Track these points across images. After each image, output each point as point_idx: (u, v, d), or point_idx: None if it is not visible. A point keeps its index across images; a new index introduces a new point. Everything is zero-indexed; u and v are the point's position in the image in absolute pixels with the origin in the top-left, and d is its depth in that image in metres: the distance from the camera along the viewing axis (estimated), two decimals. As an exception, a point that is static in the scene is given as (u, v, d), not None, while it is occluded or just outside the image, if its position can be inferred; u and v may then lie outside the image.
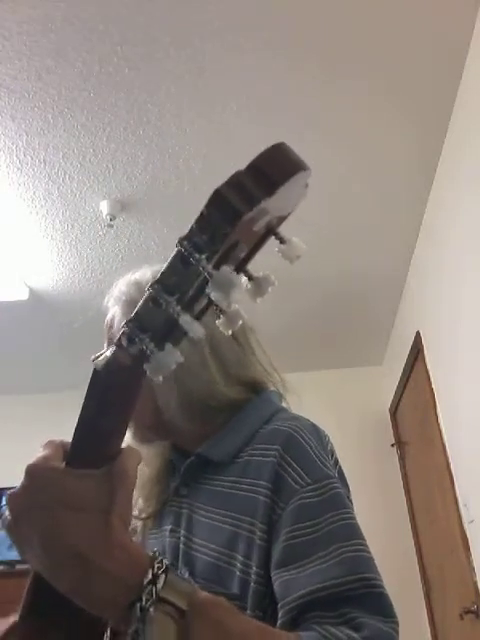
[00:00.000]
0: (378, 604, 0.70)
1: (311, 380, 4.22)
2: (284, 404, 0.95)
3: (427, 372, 3.40)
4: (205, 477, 0.88)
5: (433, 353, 3.33)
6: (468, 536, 3.00)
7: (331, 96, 2.43)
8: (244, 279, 0.48)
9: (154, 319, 0.46)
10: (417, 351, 3.59)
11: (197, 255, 0.44)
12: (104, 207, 2.89)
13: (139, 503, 0.95)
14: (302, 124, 2.55)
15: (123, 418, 0.56)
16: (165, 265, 0.46)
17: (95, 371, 0.51)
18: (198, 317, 0.48)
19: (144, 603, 0.50)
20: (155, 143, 2.59)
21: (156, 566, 0.53)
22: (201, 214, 0.45)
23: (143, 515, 0.94)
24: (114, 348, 0.48)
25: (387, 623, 0.68)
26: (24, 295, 3.46)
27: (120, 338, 0.47)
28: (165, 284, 0.45)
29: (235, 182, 0.45)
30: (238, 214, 0.44)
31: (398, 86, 2.40)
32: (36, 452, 0.58)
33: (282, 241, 0.47)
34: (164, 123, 2.50)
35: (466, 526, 3.00)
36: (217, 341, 0.88)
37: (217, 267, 0.45)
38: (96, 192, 2.83)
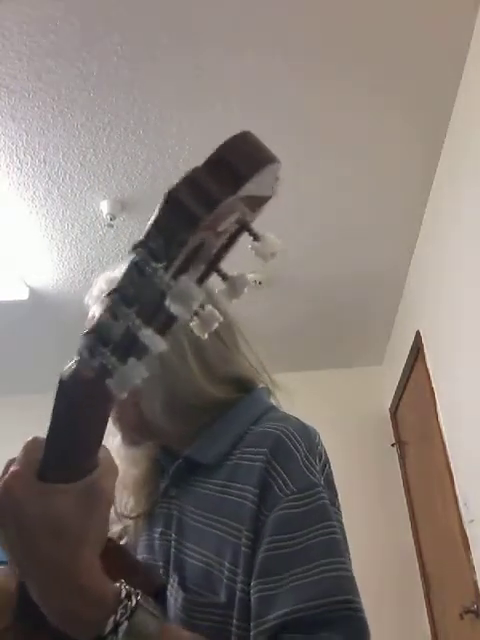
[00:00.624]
0: (356, 629, 0.69)
1: (311, 380, 4.22)
2: (274, 401, 0.92)
3: (427, 372, 3.40)
4: (194, 479, 0.86)
5: (433, 353, 3.33)
6: (468, 535, 3.00)
7: (331, 96, 2.43)
8: (218, 279, 0.45)
9: (113, 332, 0.42)
10: (417, 351, 3.59)
11: (153, 264, 0.40)
12: (104, 207, 2.89)
13: (130, 502, 0.93)
14: (302, 124, 2.55)
15: (96, 430, 0.54)
16: (122, 273, 0.42)
17: (61, 381, 0.48)
18: (163, 330, 0.44)
19: None
20: (155, 143, 2.59)
21: (120, 613, 0.54)
22: (155, 218, 0.40)
23: (133, 514, 0.93)
24: (77, 359, 0.46)
25: None
26: (24, 295, 3.46)
27: (81, 350, 0.44)
28: (123, 294, 0.41)
29: (191, 180, 0.40)
30: (195, 219, 0.39)
31: (398, 86, 2.40)
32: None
33: (255, 238, 0.43)
34: (164, 123, 2.50)
35: (466, 525, 3.01)
36: (200, 340, 0.86)
37: (176, 276, 0.41)
38: (96, 192, 2.83)
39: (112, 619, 0.54)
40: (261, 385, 0.92)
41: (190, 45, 2.18)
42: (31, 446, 0.57)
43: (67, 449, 0.53)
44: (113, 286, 0.41)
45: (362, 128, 2.60)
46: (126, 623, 0.54)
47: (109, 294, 0.42)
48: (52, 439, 0.53)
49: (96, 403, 0.50)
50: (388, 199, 3.02)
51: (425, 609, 3.99)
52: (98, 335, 0.42)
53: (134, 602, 0.56)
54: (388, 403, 4.51)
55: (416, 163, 2.83)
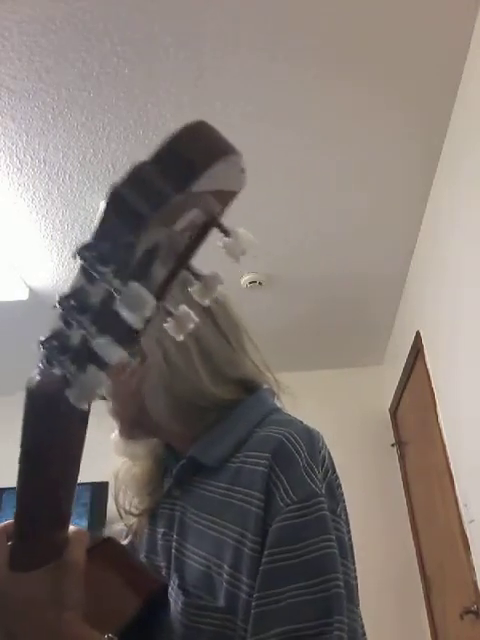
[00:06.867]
0: None
1: (311, 380, 4.23)
2: (278, 403, 0.92)
3: (427, 372, 3.40)
4: (197, 480, 0.86)
5: (433, 353, 3.33)
6: (468, 536, 2.99)
7: (331, 96, 2.43)
8: (190, 277, 0.42)
9: (71, 339, 0.39)
10: (417, 351, 3.59)
11: (101, 268, 0.36)
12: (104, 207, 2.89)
13: (133, 501, 0.94)
14: (301, 124, 2.55)
15: (70, 464, 0.50)
16: (73, 278, 0.39)
17: (28, 390, 0.45)
18: (128, 338, 0.40)
19: None
20: (155, 143, 2.56)
21: None
22: (100, 219, 0.37)
23: (136, 512, 0.93)
24: (38, 368, 0.43)
25: None
26: (24, 295, 3.46)
27: (40, 358, 0.41)
28: (75, 300, 0.38)
29: (136, 177, 0.37)
30: (142, 219, 0.36)
31: (398, 86, 2.40)
32: None
33: (226, 234, 0.40)
34: (164, 123, 2.50)
35: (466, 526, 3.00)
36: (206, 340, 0.86)
37: (126, 281, 0.37)
38: (96, 192, 2.83)
39: None
40: (265, 386, 0.92)
41: (190, 45, 2.18)
42: (1, 526, 0.57)
43: (36, 519, 0.51)
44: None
45: (362, 128, 2.60)
46: None
47: (60, 300, 0.38)
48: (22, 506, 0.51)
49: (64, 418, 0.47)
50: (388, 199, 3.03)
51: (425, 609, 3.98)
52: (56, 342, 0.39)
53: None
54: (388, 403, 4.51)
55: (416, 163, 2.83)
